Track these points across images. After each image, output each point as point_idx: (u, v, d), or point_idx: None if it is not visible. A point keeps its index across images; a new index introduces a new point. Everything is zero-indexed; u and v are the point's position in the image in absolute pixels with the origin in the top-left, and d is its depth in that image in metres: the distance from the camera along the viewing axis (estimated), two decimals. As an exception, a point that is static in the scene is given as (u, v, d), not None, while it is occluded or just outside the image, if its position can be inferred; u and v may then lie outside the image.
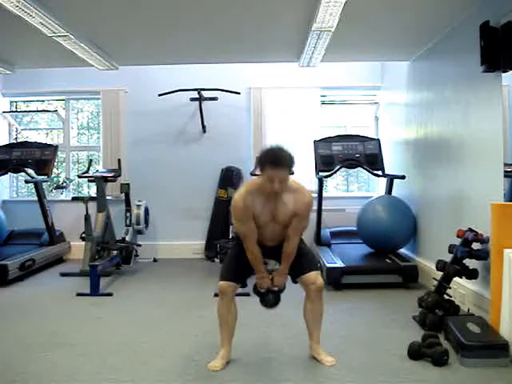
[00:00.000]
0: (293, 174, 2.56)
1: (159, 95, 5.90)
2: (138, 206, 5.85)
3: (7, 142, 6.31)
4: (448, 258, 3.44)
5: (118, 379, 2.58)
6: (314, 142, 5.56)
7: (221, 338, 2.77)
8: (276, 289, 2.77)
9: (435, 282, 3.46)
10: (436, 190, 4.48)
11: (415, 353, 2.74)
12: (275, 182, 2.46)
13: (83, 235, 5.17)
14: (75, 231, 5.61)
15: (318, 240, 5.48)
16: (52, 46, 4.19)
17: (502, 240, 2.93)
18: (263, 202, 2.60)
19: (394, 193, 5.38)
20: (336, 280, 4.40)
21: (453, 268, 3.33)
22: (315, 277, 2.72)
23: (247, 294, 3.80)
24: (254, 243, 2.66)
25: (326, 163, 5.44)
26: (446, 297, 3.39)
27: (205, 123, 6.19)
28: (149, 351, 2.96)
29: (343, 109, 6.66)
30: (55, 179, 6.54)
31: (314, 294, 2.73)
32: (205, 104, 6.07)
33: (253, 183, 2.70)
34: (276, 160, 2.45)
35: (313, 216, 5.51)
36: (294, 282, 2.83)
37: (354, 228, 5.29)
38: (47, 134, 7.00)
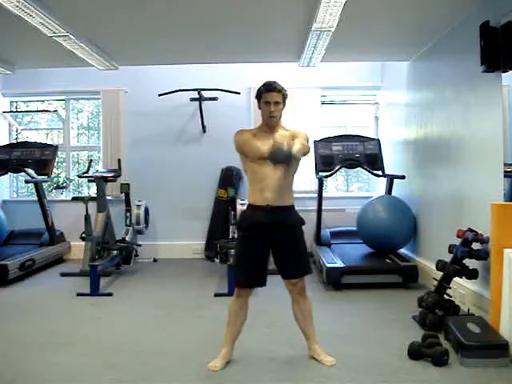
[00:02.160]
0: (284, 104, 2.76)
1: (159, 95, 5.90)
2: (138, 205, 5.85)
3: (7, 142, 6.32)
4: (448, 258, 3.44)
5: (118, 379, 2.58)
6: (314, 142, 5.56)
7: (225, 337, 2.77)
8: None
9: (435, 282, 3.46)
10: (436, 190, 4.48)
11: (415, 353, 2.74)
12: (271, 105, 2.70)
13: (83, 235, 5.18)
14: (75, 231, 5.62)
15: (318, 240, 5.48)
16: (52, 46, 4.19)
17: (502, 240, 2.93)
18: (262, 138, 2.71)
19: (394, 193, 5.38)
20: (336, 280, 4.40)
21: (453, 268, 3.34)
22: (296, 281, 2.76)
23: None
24: (260, 156, 2.63)
25: (325, 163, 5.44)
26: (446, 297, 3.39)
27: (205, 123, 6.19)
28: (149, 351, 2.96)
29: (343, 109, 6.66)
30: (55, 179, 6.54)
31: (297, 296, 2.79)
32: (205, 104, 6.07)
33: (251, 128, 2.99)
34: (270, 85, 2.74)
35: (313, 216, 5.55)
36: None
37: (354, 228, 5.29)
38: (47, 134, 7.00)
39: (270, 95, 2.72)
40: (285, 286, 2.81)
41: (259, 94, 2.78)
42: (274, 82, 2.78)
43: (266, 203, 2.66)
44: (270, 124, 2.75)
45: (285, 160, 2.54)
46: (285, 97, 2.77)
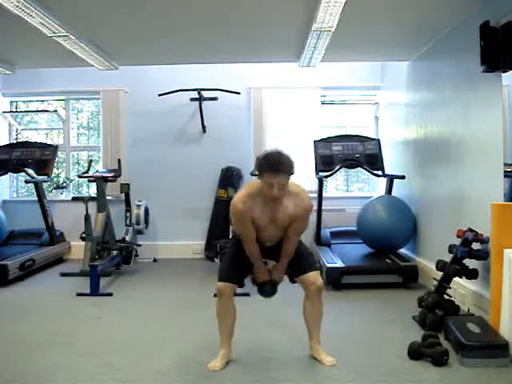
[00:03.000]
0: (293, 173, 2.52)
1: (159, 95, 5.90)
2: (138, 205, 5.85)
3: (7, 142, 6.31)
4: (448, 258, 3.44)
5: (118, 379, 2.58)
6: (314, 141, 5.56)
7: (220, 339, 2.77)
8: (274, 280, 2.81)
9: (435, 282, 3.46)
10: (436, 190, 4.48)
11: (415, 353, 2.74)
12: (274, 187, 2.45)
13: (83, 235, 5.18)
14: (75, 231, 5.62)
15: (318, 240, 5.48)
16: (52, 46, 4.19)
17: (502, 240, 2.93)
18: (263, 205, 2.58)
19: (394, 193, 5.38)
20: (336, 280, 4.40)
21: (453, 268, 3.33)
22: (315, 277, 2.72)
23: (247, 294, 3.81)
24: (252, 243, 2.67)
25: (326, 163, 5.44)
26: (446, 297, 3.39)
27: (205, 123, 6.19)
28: (149, 351, 2.96)
29: (343, 109, 6.66)
30: (55, 179, 6.54)
31: (314, 294, 2.73)
32: (205, 104, 6.07)
33: (253, 186, 2.65)
34: (275, 166, 2.41)
35: (313, 216, 5.52)
36: (292, 281, 2.83)
37: (354, 228, 5.28)
38: (47, 134, 6.99)
39: (275, 179, 2.41)
40: (302, 287, 2.77)
41: (261, 169, 2.46)
42: (281, 157, 2.42)
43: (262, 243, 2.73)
44: (273, 201, 2.54)
45: (273, 293, 2.84)
46: (292, 173, 2.46)
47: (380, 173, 5.46)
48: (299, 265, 2.75)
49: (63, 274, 5.19)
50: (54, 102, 6.76)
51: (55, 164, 5.98)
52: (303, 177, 5.79)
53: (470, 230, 3.33)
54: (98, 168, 6.17)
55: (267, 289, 2.82)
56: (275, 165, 2.41)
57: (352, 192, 6.83)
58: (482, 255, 3.24)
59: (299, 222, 2.64)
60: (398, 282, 4.42)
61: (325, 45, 4.27)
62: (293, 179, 2.60)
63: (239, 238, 2.76)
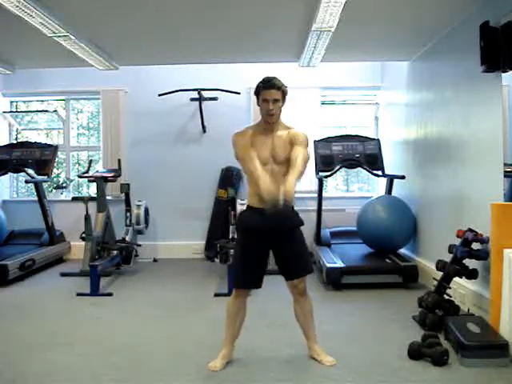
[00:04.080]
0: (284, 101, 2.72)
1: (159, 95, 5.90)
2: (138, 205, 5.85)
3: (7, 142, 6.31)
4: (448, 258, 3.44)
5: (118, 379, 2.58)
6: (314, 141, 5.56)
7: (224, 337, 2.78)
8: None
9: (435, 282, 3.46)
10: (436, 190, 4.48)
11: (415, 353, 2.74)
12: (269, 102, 2.64)
13: (83, 235, 5.17)
14: (75, 231, 5.61)
15: (318, 240, 5.48)
16: (52, 46, 4.19)
17: (502, 240, 2.93)
18: (261, 139, 2.69)
19: (394, 193, 5.39)
20: (336, 280, 4.40)
21: (453, 268, 3.33)
22: (298, 281, 2.75)
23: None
24: (256, 162, 2.58)
25: (325, 163, 5.43)
26: (446, 297, 3.39)
27: (205, 123, 6.19)
28: (149, 351, 2.96)
29: (343, 109, 6.66)
30: (55, 179, 6.54)
31: (298, 297, 2.78)
32: (205, 104, 6.07)
33: (250, 126, 2.89)
34: (269, 82, 2.67)
35: (313, 216, 5.55)
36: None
37: (354, 228, 5.28)
38: (47, 134, 7.00)
39: (268, 93, 2.65)
40: (286, 285, 2.80)
41: (258, 91, 2.71)
42: (274, 77, 2.70)
43: (263, 206, 2.54)
44: (268, 121, 2.70)
45: (283, 208, 2.48)
46: (284, 93, 2.70)
47: (380, 173, 5.46)
48: (291, 268, 2.75)
49: (63, 274, 5.19)
50: (54, 102, 6.76)
51: (55, 164, 5.98)
52: (303, 177, 5.78)
53: (470, 230, 3.33)
54: (98, 168, 6.17)
55: (281, 204, 2.44)
56: (269, 81, 2.68)
57: (352, 192, 6.83)
58: (482, 255, 3.24)
59: (298, 144, 2.66)
60: (398, 282, 4.42)
61: (325, 45, 4.27)
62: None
63: (243, 235, 2.75)
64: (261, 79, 2.73)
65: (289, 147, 2.67)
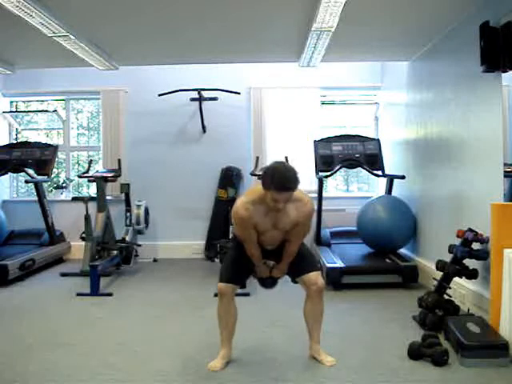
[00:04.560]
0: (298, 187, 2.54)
1: (159, 95, 5.90)
2: (138, 205, 5.84)
3: (7, 142, 6.31)
4: (448, 258, 3.44)
5: (118, 379, 2.58)
6: (314, 141, 5.56)
7: (221, 339, 2.77)
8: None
9: (435, 282, 3.46)
10: (436, 190, 4.48)
11: (415, 353, 2.74)
12: (279, 202, 2.46)
13: (83, 235, 5.17)
14: (75, 231, 5.61)
15: (318, 240, 5.48)
16: (52, 46, 4.19)
17: (502, 240, 2.93)
18: (265, 211, 2.58)
19: (394, 193, 5.38)
20: (336, 280, 4.40)
21: (453, 268, 3.33)
22: (316, 277, 2.72)
23: (247, 294, 3.82)
24: (254, 245, 2.68)
25: (326, 163, 5.43)
26: (446, 297, 3.39)
27: (205, 123, 6.19)
28: (149, 351, 2.96)
29: (343, 109, 6.65)
30: (55, 179, 6.54)
31: (315, 294, 2.73)
32: (205, 104, 6.07)
33: (256, 192, 2.61)
34: (282, 185, 2.40)
35: (313, 216, 5.53)
36: (294, 281, 2.83)
37: (354, 228, 5.28)
38: (47, 134, 6.99)
39: (281, 196, 2.42)
40: (303, 287, 2.78)
41: (267, 186, 2.44)
42: (288, 174, 2.41)
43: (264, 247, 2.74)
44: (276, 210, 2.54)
45: (273, 285, 2.90)
46: (297, 187, 2.48)
47: (380, 173, 5.46)
48: (301, 265, 2.75)
49: (63, 274, 5.19)
50: (54, 102, 6.76)
51: (55, 164, 5.98)
52: (303, 177, 5.78)
53: (470, 229, 3.33)
54: (98, 168, 6.17)
55: (268, 283, 2.89)
56: (282, 183, 2.40)
57: (352, 192, 6.83)
58: (482, 255, 3.24)
59: (302, 225, 2.66)
60: (398, 282, 4.42)
61: (325, 45, 4.27)
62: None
63: (240, 239, 2.76)
64: (271, 171, 2.44)
65: (293, 224, 2.62)
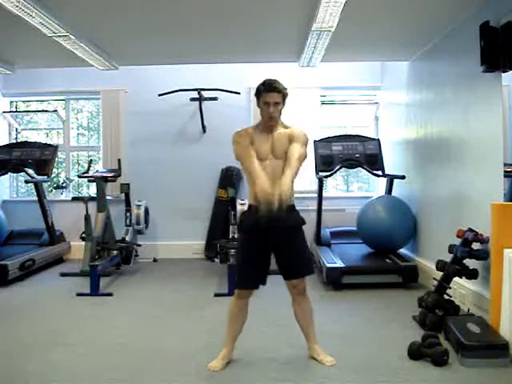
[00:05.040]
0: (284, 103, 2.74)
1: (159, 95, 5.90)
2: (138, 205, 5.85)
3: (7, 142, 6.31)
4: (448, 258, 3.44)
5: (118, 379, 2.58)
6: (314, 141, 5.55)
7: (226, 337, 2.78)
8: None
9: (435, 282, 3.46)
10: (436, 190, 4.48)
11: (415, 353, 2.74)
12: (270, 105, 2.66)
13: (83, 235, 5.17)
14: (75, 231, 5.61)
15: (318, 240, 5.47)
16: (52, 46, 4.19)
17: (502, 240, 2.93)
18: (261, 137, 2.72)
19: (394, 193, 5.38)
20: (336, 280, 4.40)
21: (453, 268, 3.33)
22: (298, 282, 2.75)
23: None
24: (255, 162, 2.60)
25: (326, 163, 5.43)
26: (446, 297, 3.39)
27: (205, 123, 6.19)
28: (149, 351, 2.96)
29: (343, 109, 6.65)
30: (55, 179, 6.54)
31: (297, 296, 2.78)
32: (205, 104, 6.07)
33: (250, 126, 2.90)
34: (270, 85, 2.68)
35: (313, 216, 5.55)
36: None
37: (354, 228, 5.28)
38: (47, 134, 6.99)
39: (269, 96, 2.67)
40: (286, 285, 2.80)
41: (258, 93, 2.73)
42: (275, 81, 2.72)
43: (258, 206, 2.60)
44: (268, 124, 2.73)
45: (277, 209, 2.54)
46: (285, 96, 2.73)
47: (380, 173, 5.46)
48: (289, 267, 2.74)
49: (63, 274, 5.19)
50: (54, 101, 6.76)
51: (55, 164, 5.98)
52: (303, 177, 5.78)
53: (470, 229, 3.33)
54: (98, 168, 6.17)
55: (271, 210, 2.50)
56: (270, 84, 2.70)
57: (352, 192, 6.83)
58: (482, 255, 3.24)
59: (296, 142, 2.68)
60: (398, 282, 4.42)
61: (325, 45, 4.27)
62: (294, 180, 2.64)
63: (245, 235, 2.76)
64: (262, 81, 2.74)
65: (288, 143, 2.70)
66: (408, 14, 3.77)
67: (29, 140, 6.54)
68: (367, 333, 3.28)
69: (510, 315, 2.75)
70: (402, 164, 5.47)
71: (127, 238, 5.58)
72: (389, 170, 5.50)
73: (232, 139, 2.75)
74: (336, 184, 6.87)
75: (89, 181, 5.97)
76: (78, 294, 4.31)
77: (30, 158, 5.69)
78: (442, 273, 3.42)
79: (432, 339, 2.77)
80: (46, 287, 4.74)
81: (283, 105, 2.74)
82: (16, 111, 6.76)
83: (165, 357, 2.87)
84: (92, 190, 6.46)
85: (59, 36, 3.93)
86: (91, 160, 5.90)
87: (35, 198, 5.70)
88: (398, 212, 4.95)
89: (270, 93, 2.67)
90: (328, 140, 5.63)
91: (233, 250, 4.54)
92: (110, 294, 4.34)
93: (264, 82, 2.73)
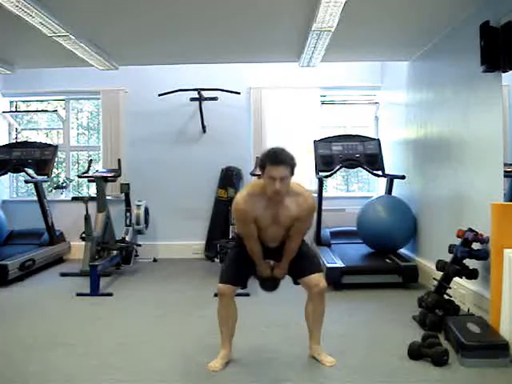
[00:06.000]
0: (293, 174, 2.54)
1: (159, 95, 5.90)
2: (138, 205, 5.85)
3: (7, 142, 6.31)
4: (448, 258, 3.44)
5: (118, 379, 2.58)
6: (314, 141, 5.56)
7: (221, 339, 2.77)
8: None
9: (435, 282, 3.46)
10: (436, 190, 4.48)
11: (415, 353, 2.74)
12: (276, 180, 2.45)
13: (83, 235, 5.17)
14: (75, 231, 5.61)
15: (318, 240, 5.47)
16: (52, 46, 4.19)
17: (502, 240, 2.93)
18: (265, 205, 2.58)
19: (394, 193, 5.38)
20: (336, 280, 4.39)
21: (453, 268, 3.33)
22: (318, 279, 2.72)
23: (247, 294, 3.81)
24: (254, 242, 2.67)
25: (326, 163, 5.43)
26: (446, 297, 3.39)
27: (205, 123, 6.19)
28: (149, 351, 2.96)
29: (343, 109, 6.65)
30: (55, 179, 6.54)
31: (317, 296, 2.73)
32: (205, 104, 6.07)
33: (255, 185, 2.66)
34: (276, 158, 2.45)
35: (314, 212, 5.53)
36: (296, 283, 2.82)
37: (354, 228, 5.28)
38: (47, 134, 6.99)
39: (276, 170, 2.43)
40: (304, 288, 2.77)
41: (263, 164, 2.48)
42: (282, 151, 2.47)
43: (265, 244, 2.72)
44: (274, 199, 2.53)
45: (275, 288, 2.85)
46: (293, 168, 2.48)
47: (380, 173, 5.46)
48: (302, 266, 2.74)
49: (63, 274, 5.19)
50: (54, 101, 6.76)
51: (55, 164, 5.98)
52: (303, 177, 5.79)
53: (470, 229, 3.33)
54: (98, 168, 6.17)
55: (268, 285, 2.85)
56: (276, 156, 2.46)
57: (352, 192, 6.83)
58: (482, 255, 3.24)
59: (302, 221, 2.64)
60: (398, 282, 4.42)
61: (325, 45, 4.27)
62: (294, 179, 2.62)
63: (241, 236, 2.75)
64: (267, 151, 2.52)
65: (294, 219, 2.60)
66: (408, 14, 3.77)
67: (29, 140, 6.54)
68: (367, 333, 3.28)
69: (510, 315, 2.75)
70: (402, 164, 5.47)
71: (127, 238, 5.58)
72: (389, 169, 5.50)
73: (234, 209, 2.61)
74: (336, 184, 6.87)
75: (89, 181, 5.97)
76: (78, 294, 4.31)
77: (30, 158, 5.69)
78: (441, 273, 3.42)
79: (432, 339, 2.77)
80: (45, 287, 4.74)
81: (292, 176, 2.51)
82: (16, 111, 6.75)
83: (165, 357, 2.87)
84: (92, 189, 6.46)
85: (59, 36, 3.93)
86: (91, 160, 5.90)
87: (35, 198, 5.70)
88: (398, 212, 4.95)
89: (276, 166, 2.43)
90: (328, 140, 5.63)
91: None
92: (109, 294, 4.34)
93: (270, 152, 2.50)
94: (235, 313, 2.75)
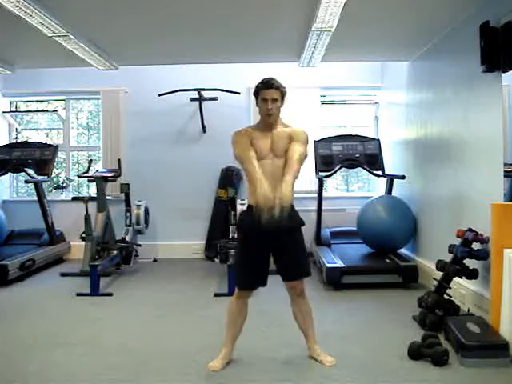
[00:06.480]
0: (283, 102, 2.75)
1: (159, 95, 5.90)
2: (138, 205, 5.85)
3: (7, 142, 6.31)
4: (448, 258, 3.44)
5: (118, 379, 2.58)
6: (314, 141, 5.55)
7: (225, 337, 2.77)
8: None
9: (435, 282, 3.46)
10: (436, 190, 4.48)
11: (415, 353, 2.74)
12: (268, 101, 2.66)
13: (83, 235, 5.17)
14: (75, 231, 5.61)
15: (318, 240, 5.47)
16: (52, 46, 4.19)
17: (502, 240, 2.93)
18: (261, 136, 2.71)
19: (394, 193, 5.38)
20: (336, 280, 4.40)
21: (453, 268, 3.33)
22: (295, 283, 2.75)
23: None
24: (254, 164, 2.58)
25: (326, 163, 5.43)
26: (446, 297, 3.39)
27: (205, 123, 6.19)
28: (149, 351, 2.96)
29: (343, 109, 6.66)
30: (55, 179, 6.54)
31: (295, 298, 2.78)
32: (205, 104, 6.07)
33: (250, 125, 2.92)
34: (268, 82, 2.70)
35: (313, 216, 5.55)
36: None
37: (354, 228, 5.28)
38: (47, 134, 6.99)
39: (267, 92, 2.68)
40: (284, 286, 2.80)
41: (257, 91, 2.74)
42: (272, 78, 2.73)
43: (259, 212, 2.56)
44: (267, 122, 2.71)
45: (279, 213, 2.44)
46: (283, 94, 2.73)
47: (380, 173, 5.46)
48: (288, 268, 2.74)
49: (63, 274, 5.19)
50: (54, 101, 6.76)
51: (55, 164, 5.98)
52: (303, 177, 5.78)
53: (470, 229, 3.33)
54: (98, 168, 6.17)
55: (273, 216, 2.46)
56: (268, 81, 2.71)
57: (352, 192, 6.83)
58: (482, 255, 3.24)
59: (296, 141, 2.68)
60: (398, 282, 4.42)
61: (325, 45, 4.27)
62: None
63: (244, 235, 2.75)
64: (260, 80, 2.75)
65: (288, 142, 2.69)
66: (408, 14, 3.77)
67: (29, 140, 6.54)
68: (367, 333, 3.28)
69: (510, 315, 2.75)
70: (402, 164, 5.47)
71: (127, 238, 5.58)
72: (389, 169, 5.51)
73: (232, 139, 2.74)
74: (336, 184, 6.87)
75: (89, 181, 5.97)
76: (78, 294, 4.31)
77: (30, 158, 5.69)
78: (441, 273, 3.42)
79: (432, 339, 2.77)
80: (46, 287, 4.74)
81: (282, 103, 2.74)
82: (16, 111, 6.76)
83: (165, 357, 2.87)
84: (92, 189, 6.46)
85: (59, 36, 3.93)
86: (91, 160, 5.91)
87: (35, 198, 5.69)
88: (398, 212, 4.95)
89: (267, 89, 2.68)
90: (328, 140, 5.63)
91: (233, 250, 4.54)
92: (109, 294, 4.34)
93: (262, 80, 2.75)
94: (246, 314, 2.77)
